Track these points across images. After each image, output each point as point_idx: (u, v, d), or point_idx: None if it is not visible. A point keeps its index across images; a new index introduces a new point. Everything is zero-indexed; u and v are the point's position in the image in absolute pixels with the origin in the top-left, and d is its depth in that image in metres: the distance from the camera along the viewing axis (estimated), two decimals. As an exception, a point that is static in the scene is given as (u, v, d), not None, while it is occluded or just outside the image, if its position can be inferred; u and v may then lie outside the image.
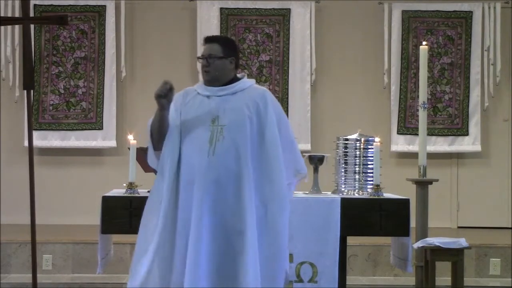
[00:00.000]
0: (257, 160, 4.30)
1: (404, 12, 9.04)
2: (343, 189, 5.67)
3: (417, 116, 7.71)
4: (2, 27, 8.71)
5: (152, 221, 4.31)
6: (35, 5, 8.86)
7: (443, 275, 6.74)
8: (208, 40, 4.46)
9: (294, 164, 4.45)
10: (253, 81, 4.47)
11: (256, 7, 9.04)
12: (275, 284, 4.27)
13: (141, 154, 5.55)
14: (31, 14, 7.56)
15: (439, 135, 9.04)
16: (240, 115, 4.30)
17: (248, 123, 4.30)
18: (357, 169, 5.65)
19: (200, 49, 8.96)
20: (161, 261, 4.22)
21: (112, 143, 8.94)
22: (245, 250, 4.17)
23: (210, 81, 4.40)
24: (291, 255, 5.21)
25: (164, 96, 4.26)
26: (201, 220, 4.18)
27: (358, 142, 5.68)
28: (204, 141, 4.25)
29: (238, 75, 4.48)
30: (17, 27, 8.72)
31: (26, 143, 8.55)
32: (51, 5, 8.95)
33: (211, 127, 4.28)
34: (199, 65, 8.70)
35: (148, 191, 5.45)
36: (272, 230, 4.27)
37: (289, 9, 9.02)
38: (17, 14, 8.65)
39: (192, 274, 4.13)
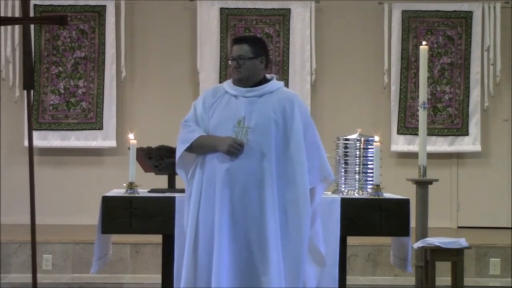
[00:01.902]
0: (280, 165, 4.30)
1: (404, 12, 9.04)
2: (343, 189, 5.67)
3: (417, 116, 7.71)
4: (2, 27, 8.70)
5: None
6: (35, 5, 8.86)
7: (443, 275, 6.74)
8: (238, 41, 4.46)
9: (321, 170, 4.47)
10: (281, 83, 4.48)
11: (256, 7, 9.04)
12: (296, 285, 4.28)
13: (141, 154, 5.55)
14: (31, 14, 7.56)
15: (439, 135, 9.04)
16: (266, 119, 4.31)
17: (274, 127, 4.31)
18: (357, 169, 5.65)
19: (201, 49, 9.05)
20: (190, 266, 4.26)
21: (112, 143, 8.93)
22: (268, 255, 4.19)
23: (241, 80, 4.38)
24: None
25: (234, 154, 4.25)
26: (222, 225, 4.18)
27: (358, 142, 5.67)
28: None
29: (268, 76, 4.48)
30: (17, 27, 8.72)
31: (26, 143, 8.55)
32: (51, 5, 8.95)
33: (236, 128, 4.29)
34: (200, 66, 8.77)
35: (149, 191, 5.47)
36: (293, 235, 4.28)
37: (289, 9, 9.02)
38: (17, 14, 8.65)
39: (216, 281, 4.15)
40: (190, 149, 4.38)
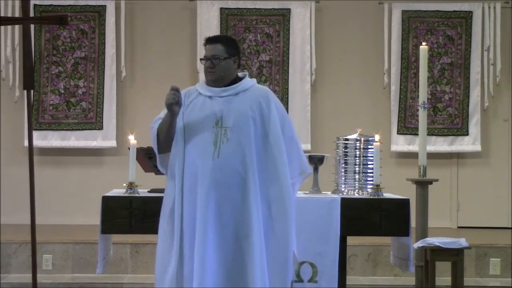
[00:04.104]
0: (261, 161, 4.28)
1: (404, 12, 9.04)
2: (343, 189, 5.67)
3: (417, 116, 7.71)
4: (2, 27, 8.71)
5: (167, 226, 4.31)
6: (35, 5, 8.86)
7: (443, 275, 6.74)
8: (211, 40, 4.41)
9: (299, 163, 4.43)
10: (254, 80, 4.45)
11: (256, 7, 9.04)
12: (283, 284, 4.27)
13: (141, 154, 5.55)
14: (31, 14, 7.56)
15: (439, 135, 9.04)
16: (244, 116, 4.28)
17: (252, 124, 4.28)
18: (357, 169, 5.65)
19: (201, 49, 9.03)
20: (178, 267, 4.23)
21: (112, 143, 8.94)
22: (252, 252, 4.17)
23: (215, 81, 4.35)
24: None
25: (176, 103, 4.24)
26: (207, 223, 4.16)
27: (358, 142, 5.68)
28: (208, 143, 4.23)
29: (240, 74, 4.45)
30: (17, 27, 8.72)
31: (26, 143, 8.55)
32: (51, 5, 8.95)
33: (214, 129, 4.25)
34: (200, 66, 8.75)
35: (149, 191, 5.48)
36: (278, 231, 4.26)
37: (289, 9, 9.02)
38: (17, 14, 8.65)
39: (200, 277, 4.13)
40: (160, 143, 4.37)
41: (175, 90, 4.25)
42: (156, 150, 4.41)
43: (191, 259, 4.18)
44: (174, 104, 4.24)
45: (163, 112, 4.39)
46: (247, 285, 4.16)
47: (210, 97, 4.34)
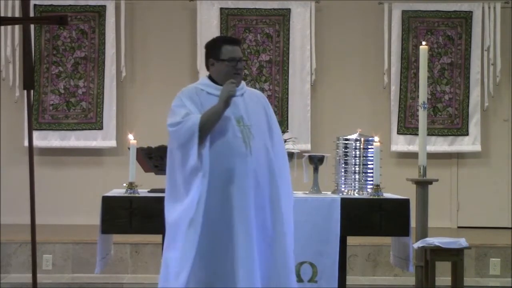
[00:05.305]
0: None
1: (404, 12, 9.04)
2: (343, 189, 5.67)
3: (417, 116, 7.71)
4: (2, 27, 8.70)
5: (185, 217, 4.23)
6: (35, 5, 8.85)
7: (443, 275, 6.74)
8: (236, 42, 4.46)
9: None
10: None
11: (256, 7, 9.04)
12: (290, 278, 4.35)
13: (141, 154, 5.55)
14: (31, 14, 7.56)
15: (439, 135, 9.04)
16: (259, 115, 4.37)
17: (266, 122, 4.40)
18: (357, 169, 5.65)
19: (201, 49, 9.04)
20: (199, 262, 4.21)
21: (112, 143, 8.94)
22: (285, 250, 4.29)
23: (238, 84, 4.36)
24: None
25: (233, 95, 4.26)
26: (249, 221, 4.19)
27: (358, 142, 5.68)
28: (239, 141, 4.27)
29: None
30: (17, 27, 8.72)
31: (26, 143, 8.55)
32: (51, 5, 8.95)
33: (239, 127, 4.29)
34: (200, 65, 8.76)
35: (149, 191, 5.47)
36: (287, 229, 4.35)
37: (289, 9, 9.02)
38: (17, 14, 8.65)
39: (249, 277, 4.16)
40: (202, 136, 4.27)
41: (233, 83, 4.26)
42: (195, 145, 4.24)
43: (226, 255, 4.18)
44: (233, 97, 4.25)
45: (182, 109, 4.32)
46: (286, 285, 4.26)
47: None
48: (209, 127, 4.24)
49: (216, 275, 4.19)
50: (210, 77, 4.43)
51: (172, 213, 4.28)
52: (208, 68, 4.46)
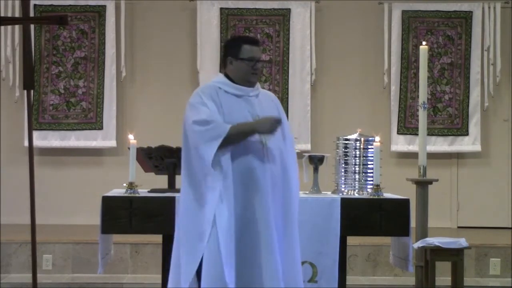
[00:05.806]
0: None
1: (404, 12, 9.05)
2: (343, 189, 5.67)
3: (417, 116, 7.71)
4: (2, 27, 8.70)
5: (206, 213, 4.21)
6: (35, 5, 8.85)
7: (443, 275, 6.74)
8: (256, 42, 4.46)
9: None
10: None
11: (256, 7, 9.04)
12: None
13: (141, 154, 5.55)
14: (31, 14, 7.56)
15: (439, 135, 9.04)
16: (274, 115, 4.38)
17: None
18: (357, 169, 5.65)
19: (201, 49, 9.04)
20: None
21: (112, 143, 8.94)
22: (294, 250, 4.36)
23: (255, 83, 4.41)
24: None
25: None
26: (269, 218, 4.23)
27: (358, 142, 5.67)
28: (256, 141, 4.28)
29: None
30: (17, 27, 8.72)
31: (26, 143, 8.55)
32: (51, 5, 8.95)
33: None
34: (200, 65, 8.77)
35: (149, 191, 5.47)
36: (294, 225, 4.42)
37: (289, 9, 9.02)
38: (17, 14, 8.65)
39: (275, 275, 4.20)
40: (228, 142, 4.25)
41: (278, 123, 4.29)
42: (215, 147, 4.20)
43: (252, 256, 4.21)
44: (274, 132, 4.29)
45: (205, 107, 4.25)
46: (297, 285, 4.32)
47: (238, 96, 4.36)
48: (236, 140, 4.24)
49: (243, 276, 4.21)
50: (226, 75, 4.42)
51: (192, 211, 4.24)
52: (225, 66, 4.43)
